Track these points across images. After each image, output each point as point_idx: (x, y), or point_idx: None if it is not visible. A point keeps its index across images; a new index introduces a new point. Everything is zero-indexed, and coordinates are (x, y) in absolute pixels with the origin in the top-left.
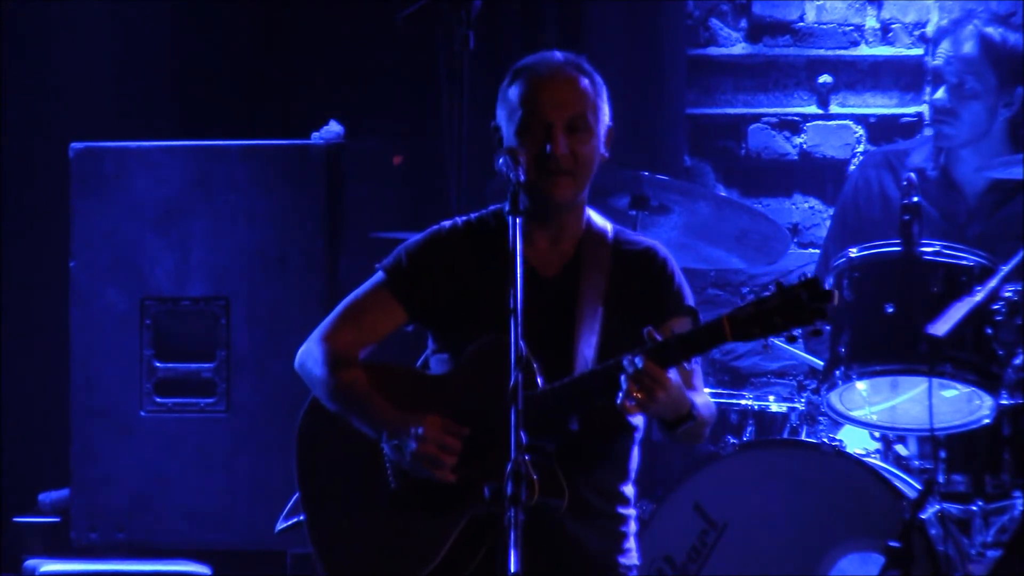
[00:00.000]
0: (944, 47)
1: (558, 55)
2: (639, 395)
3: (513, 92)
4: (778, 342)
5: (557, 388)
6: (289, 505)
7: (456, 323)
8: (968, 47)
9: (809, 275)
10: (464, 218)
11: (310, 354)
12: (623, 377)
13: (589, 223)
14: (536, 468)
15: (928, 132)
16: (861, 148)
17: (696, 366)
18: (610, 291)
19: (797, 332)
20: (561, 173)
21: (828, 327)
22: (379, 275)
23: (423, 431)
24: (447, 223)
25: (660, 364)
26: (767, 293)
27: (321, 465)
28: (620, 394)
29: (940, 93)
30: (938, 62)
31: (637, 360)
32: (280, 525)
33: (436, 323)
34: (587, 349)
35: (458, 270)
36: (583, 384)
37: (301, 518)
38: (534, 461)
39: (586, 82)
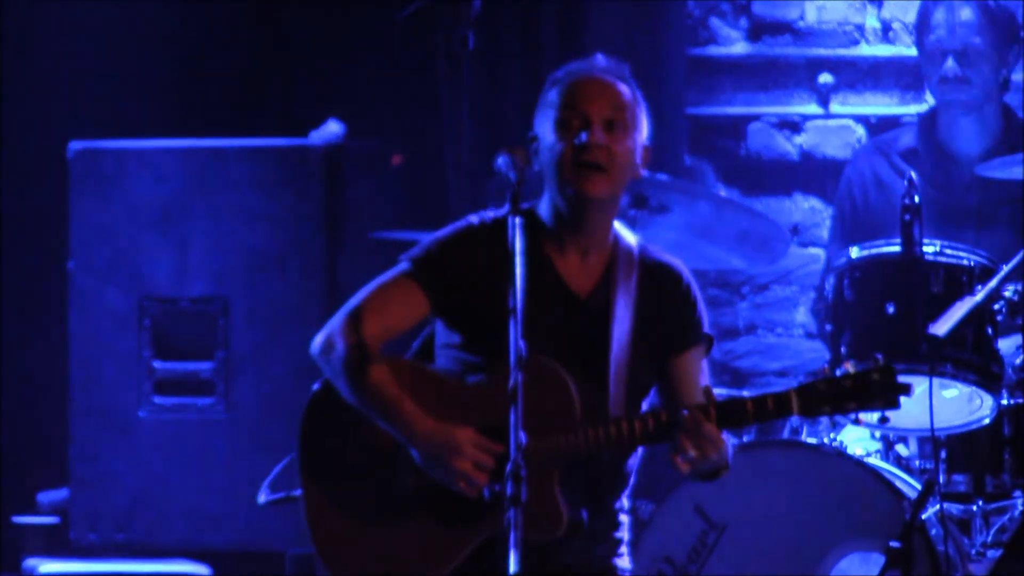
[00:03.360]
0: (939, 17)
1: (597, 58)
2: (694, 452)
3: (553, 94)
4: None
5: (609, 433)
6: (273, 474)
7: (478, 321)
8: (966, 13)
9: (882, 360)
10: (493, 214)
11: (332, 344)
12: (678, 432)
13: (617, 238)
14: (565, 504)
15: (911, 117)
16: None
17: (704, 370)
18: (637, 310)
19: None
20: (596, 168)
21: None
22: (404, 265)
23: (459, 446)
24: (475, 218)
25: (718, 426)
26: (840, 372)
27: (327, 455)
28: (673, 447)
29: (950, 63)
30: (940, 33)
31: (698, 420)
32: (265, 496)
33: (458, 318)
34: (620, 373)
35: (486, 267)
36: (637, 432)
37: (292, 493)
38: (563, 493)
39: (627, 89)
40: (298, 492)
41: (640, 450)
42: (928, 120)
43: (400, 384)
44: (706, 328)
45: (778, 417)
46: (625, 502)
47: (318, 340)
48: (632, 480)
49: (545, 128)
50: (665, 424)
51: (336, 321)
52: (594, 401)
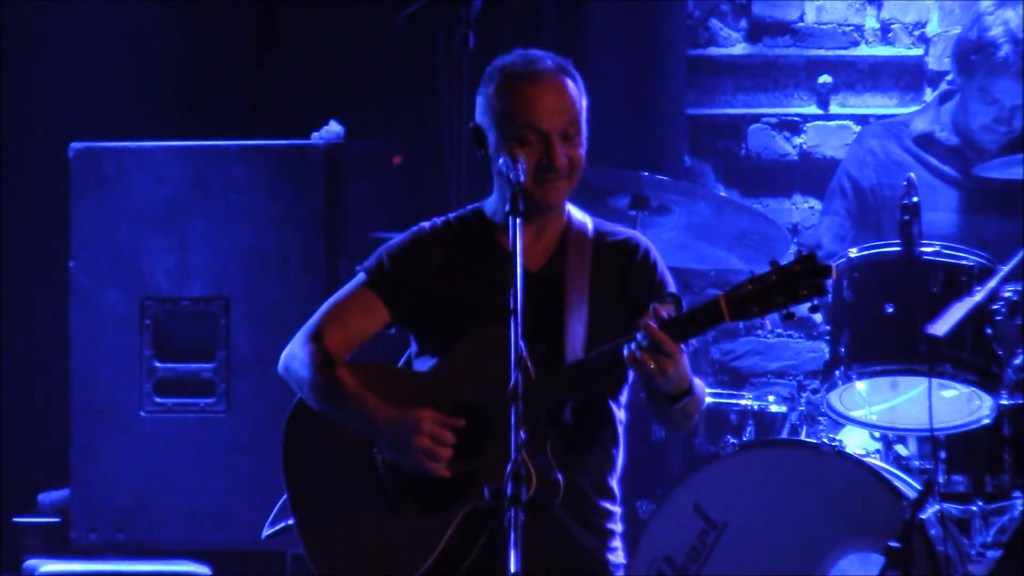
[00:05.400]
0: (997, 19)
1: (543, 60)
2: (652, 365)
3: (502, 101)
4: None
5: (558, 372)
6: (275, 510)
7: (439, 324)
8: None
9: (804, 250)
10: (444, 219)
11: (294, 357)
12: (634, 346)
13: (569, 217)
14: (532, 459)
15: (929, 98)
16: None
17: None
18: (594, 281)
19: (795, 309)
20: (559, 179)
21: (827, 301)
22: (360, 276)
23: (417, 424)
24: (427, 224)
25: (672, 337)
26: (763, 271)
27: (310, 468)
28: (628, 349)
29: (1000, 120)
30: (999, 95)
31: (651, 325)
32: (267, 531)
33: (419, 324)
34: (576, 338)
35: (441, 270)
36: (585, 367)
37: (289, 522)
38: (530, 452)
39: (572, 86)
40: (293, 520)
41: (621, 429)
42: (947, 105)
43: (361, 382)
44: (671, 289)
45: (711, 327)
46: (615, 486)
47: (281, 358)
48: (617, 461)
49: (495, 134)
50: (617, 349)
51: (296, 337)
52: (550, 363)
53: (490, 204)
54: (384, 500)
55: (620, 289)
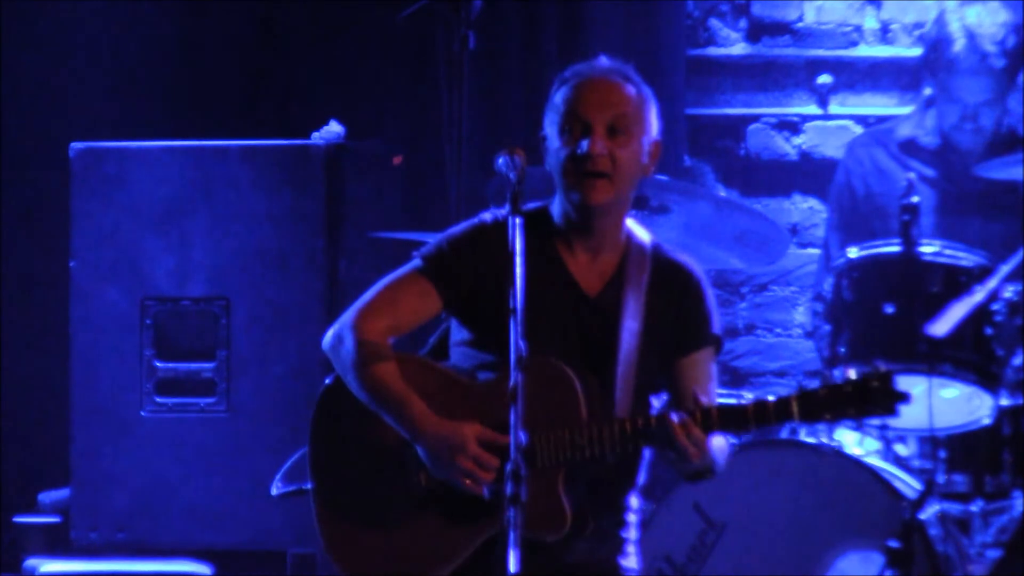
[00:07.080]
0: (956, 16)
1: (603, 61)
2: (673, 454)
3: (558, 97)
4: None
5: (604, 432)
6: (288, 464)
7: (487, 320)
8: (1005, 15)
9: (883, 368)
10: (506, 212)
11: (342, 339)
12: (665, 431)
13: (630, 236)
14: (569, 503)
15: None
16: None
17: (712, 372)
18: (647, 309)
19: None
20: (597, 175)
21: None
22: (416, 262)
23: (463, 444)
24: (488, 216)
25: (704, 429)
26: (840, 379)
27: (338, 448)
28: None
29: (967, 117)
30: (962, 94)
31: (675, 416)
32: (278, 488)
33: (468, 316)
34: (627, 376)
35: (498, 265)
36: (628, 431)
37: (304, 486)
38: (567, 492)
39: (631, 89)
40: (309, 485)
41: (647, 450)
42: (928, 110)
43: (407, 380)
44: (715, 329)
45: (778, 423)
46: (634, 501)
47: (329, 334)
48: (640, 480)
49: (552, 131)
50: (654, 426)
51: (347, 316)
52: (600, 400)
53: (554, 205)
54: (408, 501)
55: (667, 319)
